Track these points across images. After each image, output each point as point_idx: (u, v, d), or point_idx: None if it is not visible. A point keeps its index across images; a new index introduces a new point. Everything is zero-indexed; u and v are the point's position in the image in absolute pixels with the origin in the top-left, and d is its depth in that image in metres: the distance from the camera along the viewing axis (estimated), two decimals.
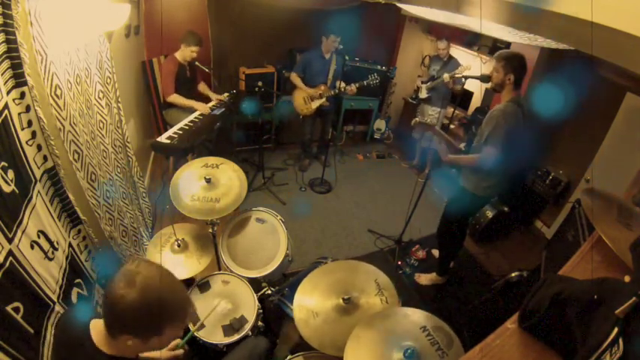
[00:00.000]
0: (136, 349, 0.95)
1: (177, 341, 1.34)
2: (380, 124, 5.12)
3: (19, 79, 1.22)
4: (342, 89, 3.69)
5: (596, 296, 0.81)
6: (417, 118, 2.44)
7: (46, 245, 1.30)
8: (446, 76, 3.64)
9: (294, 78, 3.76)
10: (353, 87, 3.67)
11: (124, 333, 0.90)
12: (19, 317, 1.08)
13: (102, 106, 1.93)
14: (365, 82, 3.65)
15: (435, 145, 2.32)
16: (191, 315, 1.23)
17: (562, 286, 0.93)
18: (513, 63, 2.02)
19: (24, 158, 1.24)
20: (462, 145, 2.47)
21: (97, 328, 0.97)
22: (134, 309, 0.85)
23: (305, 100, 3.76)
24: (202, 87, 3.60)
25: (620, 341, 0.68)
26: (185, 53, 3.18)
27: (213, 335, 1.58)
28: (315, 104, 3.76)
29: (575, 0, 1.16)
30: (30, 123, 1.30)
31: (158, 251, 1.83)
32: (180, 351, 1.32)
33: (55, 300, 1.31)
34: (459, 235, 2.63)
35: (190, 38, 3.13)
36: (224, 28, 4.00)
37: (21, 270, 1.12)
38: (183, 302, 0.97)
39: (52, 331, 1.22)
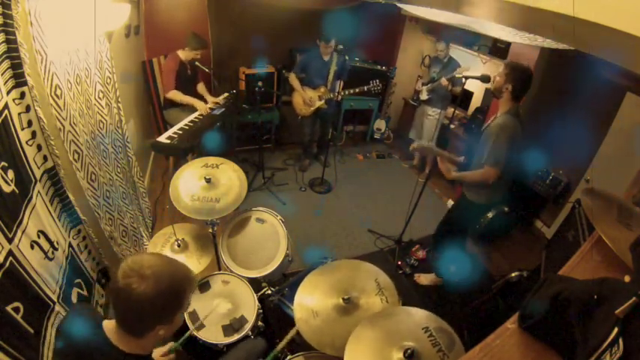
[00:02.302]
0: (165, 335, 0.98)
1: (171, 345, 1.32)
2: (380, 124, 5.12)
3: (19, 79, 1.22)
4: (342, 94, 3.71)
5: (596, 296, 0.81)
6: (414, 144, 2.43)
7: (46, 245, 1.30)
8: (443, 79, 3.64)
9: (293, 80, 3.75)
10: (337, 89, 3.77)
11: (157, 324, 0.93)
12: (19, 317, 1.08)
13: (102, 106, 1.93)
14: (366, 88, 3.66)
15: (439, 165, 2.32)
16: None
17: (562, 286, 0.93)
18: (515, 74, 2.00)
19: (24, 158, 1.24)
20: (462, 158, 2.46)
21: (111, 329, 0.97)
22: (158, 297, 0.88)
23: (304, 101, 3.76)
24: (201, 88, 3.60)
25: (620, 341, 0.68)
26: (188, 54, 3.19)
27: (213, 335, 1.57)
28: (314, 106, 3.76)
29: (575, 0, 1.16)
30: (30, 123, 1.30)
31: (158, 251, 1.83)
32: (173, 355, 1.31)
33: (55, 300, 1.31)
34: (458, 240, 2.64)
35: (194, 42, 3.14)
36: (224, 28, 4.00)
37: (21, 270, 1.12)
38: (188, 270, 1.01)
39: (56, 334, 1.21)
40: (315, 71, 3.69)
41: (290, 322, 1.55)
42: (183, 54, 3.20)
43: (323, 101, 3.74)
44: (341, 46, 3.67)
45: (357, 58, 4.50)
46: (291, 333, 1.44)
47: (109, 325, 0.98)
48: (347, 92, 3.73)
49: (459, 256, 2.45)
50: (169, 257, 1.01)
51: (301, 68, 3.73)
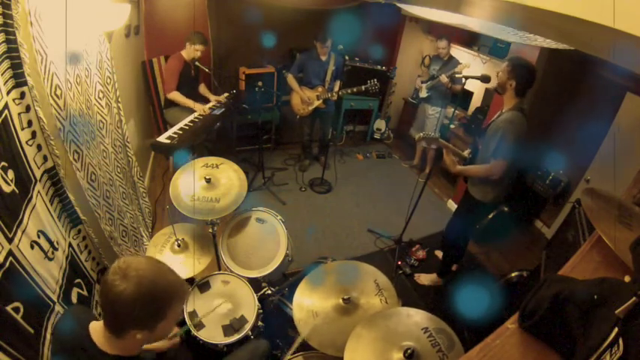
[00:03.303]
0: (144, 341, 0.97)
1: (176, 330, 1.37)
2: (380, 124, 5.12)
3: (19, 79, 1.22)
4: (341, 94, 3.70)
5: (596, 296, 0.81)
6: (420, 134, 2.42)
7: (46, 245, 1.30)
8: (443, 77, 3.64)
9: (290, 80, 3.75)
10: (335, 89, 3.76)
11: (132, 328, 0.91)
12: (19, 317, 1.08)
13: (102, 106, 1.93)
14: (364, 87, 3.66)
15: (444, 157, 2.32)
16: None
17: (562, 286, 0.93)
18: (517, 70, 2.02)
19: (24, 158, 1.24)
20: (467, 152, 2.46)
21: (97, 330, 0.97)
22: (136, 300, 0.87)
23: (302, 100, 3.77)
24: (202, 88, 3.61)
25: (620, 341, 0.68)
26: (190, 52, 3.19)
27: (213, 335, 1.57)
28: (312, 105, 3.77)
29: (575, 0, 1.16)
30: (30, 123, 1.30)
31: (158, 251, 1.83)
32: (178, 339, 1.35)
33: (55, 300, 1.31)
34: (463, 240, 2.64)
35: (195, 37, 3.14)
36: (224, 28, 4.00)
37: (21, 270, 1.12)
38: (177, 282, 0.99)
39: (51, 337, 1.22)
40: (312, 71, 3.69)
41: (290, 321, 1.55)
42: (187, 53, 3.20)
43: (321, 101, 3.74)
44: (341, 46, 3.66)
45: (357, 58, 4.49)
46: (298, 340, 1.42)
47: (95, 326, 0.98)
48: (345, 92, 3.73)
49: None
50: (166, 267, 0.98)
51: (298, 69, 3.73)
